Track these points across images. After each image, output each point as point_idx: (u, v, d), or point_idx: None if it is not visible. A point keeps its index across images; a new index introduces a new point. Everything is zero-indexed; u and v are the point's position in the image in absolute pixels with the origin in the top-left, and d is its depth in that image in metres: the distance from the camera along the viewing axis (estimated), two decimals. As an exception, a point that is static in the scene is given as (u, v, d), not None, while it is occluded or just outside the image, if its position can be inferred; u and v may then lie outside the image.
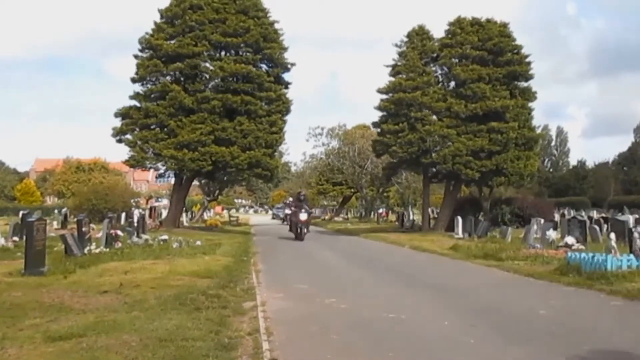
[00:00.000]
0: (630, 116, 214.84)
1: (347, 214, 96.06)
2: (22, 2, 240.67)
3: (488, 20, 48.01)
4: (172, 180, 54.25)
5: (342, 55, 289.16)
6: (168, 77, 47.22)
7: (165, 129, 46.07)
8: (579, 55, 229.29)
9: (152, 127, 46.54)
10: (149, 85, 47.92)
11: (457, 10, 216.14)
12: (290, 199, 63.79)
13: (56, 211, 61.37)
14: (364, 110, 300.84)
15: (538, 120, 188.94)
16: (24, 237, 20.41)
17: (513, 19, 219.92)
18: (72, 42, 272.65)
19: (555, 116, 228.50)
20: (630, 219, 33.79)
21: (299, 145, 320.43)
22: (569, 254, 20.00)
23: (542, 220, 34.57)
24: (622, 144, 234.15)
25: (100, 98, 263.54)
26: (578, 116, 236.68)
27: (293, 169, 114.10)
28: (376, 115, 49.72)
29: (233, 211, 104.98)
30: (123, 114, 47.16)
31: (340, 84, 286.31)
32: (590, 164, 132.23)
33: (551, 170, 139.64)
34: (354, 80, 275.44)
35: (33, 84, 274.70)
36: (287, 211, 50.51)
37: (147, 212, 48.35)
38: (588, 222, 31.44)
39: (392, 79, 48.05)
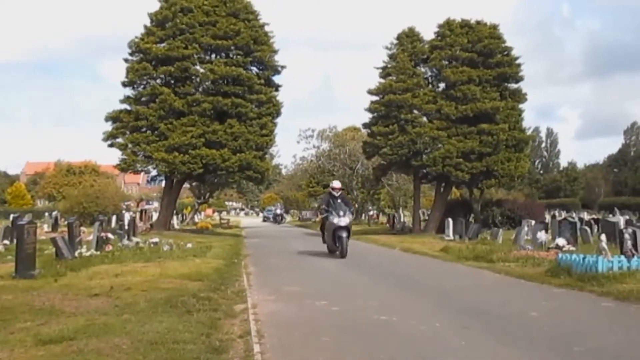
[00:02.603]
0: (623, 117, 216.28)
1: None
2: (16, 5, 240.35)
3: (478, 22, 48.22)
4: (163, 183, 54.22)
5: (336, 57, 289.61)
6: (158, 80, 47.18)
7: (156, 132, 46.03)
8: (573, 56, 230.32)
9: (142, 130, 46.45)
10: (139, 89, 47.83)
11: (451, 11, 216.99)
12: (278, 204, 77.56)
13: (47, 214, 61.35)
14: (358, 111, 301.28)
15: (532, 121, 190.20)
16: (15, 240, 20.38)
17: (507, 20, 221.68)
18: (66, 45, 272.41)
19: (548, 117, 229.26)
20: (620, 220, 33.93)
21: (292, 146, 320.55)
22: (560, 255, 20.01)
23: (533, 222, 34.67)
24: (613, 145, 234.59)
25: (93, 101, 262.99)
26: (571, 117, 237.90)
27: (284, 171, 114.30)
28: (367, 117, 49.88)
29: (224, 214, 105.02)
30: (114, 117, 47.03)
31: (334, 85, 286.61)
32: (580, 165, 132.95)
33: (542, 171, 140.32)
34: (349, 81, 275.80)
35: (25, 87, 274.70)
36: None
37: (138, 215, 48.24)
38: (579, 224, 31.57)
39: (383, 80, 48.18)
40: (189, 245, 30.46)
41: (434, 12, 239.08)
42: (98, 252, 24.31)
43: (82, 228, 30.06)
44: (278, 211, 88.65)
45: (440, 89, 48.49)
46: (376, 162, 55.59)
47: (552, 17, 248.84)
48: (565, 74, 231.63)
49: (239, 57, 47.81)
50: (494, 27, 48.23)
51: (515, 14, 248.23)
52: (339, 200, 28.56)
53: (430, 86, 48.53)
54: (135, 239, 30.58)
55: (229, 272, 20.85)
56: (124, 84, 47.79)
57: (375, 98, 48.26)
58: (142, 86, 47.77)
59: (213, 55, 48.87)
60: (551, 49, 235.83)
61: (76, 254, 22.80)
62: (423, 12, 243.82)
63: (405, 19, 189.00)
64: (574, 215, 52.35)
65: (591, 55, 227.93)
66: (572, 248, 24.89)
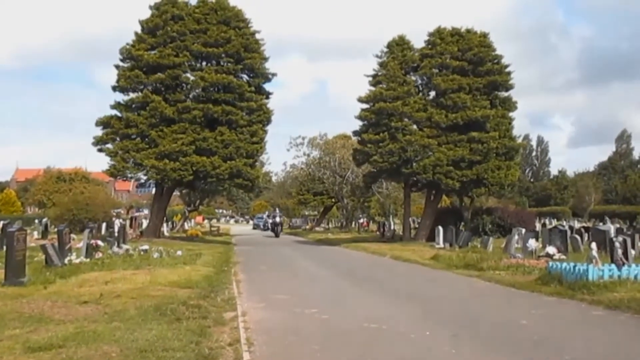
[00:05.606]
0: (615, 125, 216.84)
1: (328, 224, 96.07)
2: (6, 9, 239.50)
3: (468, 31, 48.26)
4: (153, 190, 54.15)
5: (329, 65, 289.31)
6: (149, 87, 47.06)
7: (146, 139, 45.95)
8: (567, 64, 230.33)
9: (132, 137, 46.37)
10: (130, 94, 47.78)
11: (445, 18, 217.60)
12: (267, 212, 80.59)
13: (37, 221, 61.04)
14: (349, 118, 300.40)
15: (526, 129, 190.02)
16: (4, 247, 20.30)
17: (501, 27, 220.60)
18: (57, 50, 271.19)
19: (541, 125, 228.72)
20: (611, 228, 33.99)
21: (283, 154, 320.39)
22: (550, 263, 20.05)
23: (523, 230, 34.70)
24: (604, 153, 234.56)
25: (85, 107, 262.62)
26: (564, 125, 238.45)
27: (274, 178, 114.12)
28: (358, 124, 49.84)
29: (214, 221, 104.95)
30: (104, 123, 46.98)
31: (326, 92, 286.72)
32: (571, 173, 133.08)
33: (532, 179, 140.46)
34: (341, 89, 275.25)
35: (15, 93, 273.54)
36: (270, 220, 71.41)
37: (128, 222, 48.14)
38: (569, 232, 31.59)
39: (373, 88, 48.18)
40: (179, 252, 30.36)
41: (428, 19, 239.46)
42: (88, 260, 24.26)
43: (72, 235, 29.96)
44: (277, 219, 71.00)
45: (430, 97, 48.50)
46: (366, 170, 55.58)
47: (547, 24, 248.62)
48: (559, 82, 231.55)
49: (229, 64, 47.78)
50: (484, 35, 48.31)
51: (509, 21, 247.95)
52: None
53: (420, 94, 48.50)
54: (125, 246, 30.52)
55: (219, 279, 20.84)
56: (114, 88, 47.66)
57: (365, 106, 48.21)
58: (132, 91, 47.64)
59: (204, 63, 48.83)
60: (545, 56, 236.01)
61: (66, 261, 22.75)
62: (417, 19, 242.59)
63: (399, 26, 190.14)
64: (565, 223, 52.45)
65: (585, 62, 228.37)
66: (562, 256, 24.94)
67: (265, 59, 49.80)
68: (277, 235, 65.41)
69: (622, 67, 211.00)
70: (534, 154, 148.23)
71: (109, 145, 46.96)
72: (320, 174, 79.53)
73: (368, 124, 48.11)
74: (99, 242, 28.25)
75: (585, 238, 33.23)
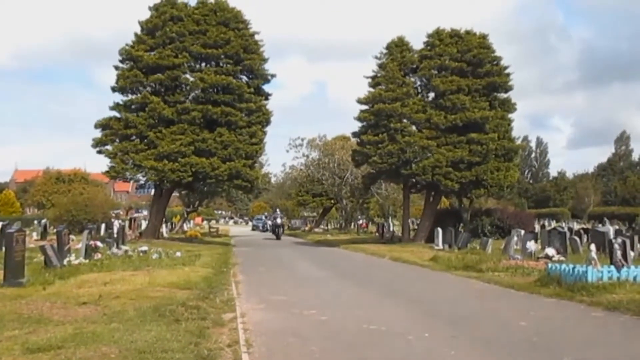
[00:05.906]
0: (615, 126, 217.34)
1: (327, 225, 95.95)
2: (8, 9, 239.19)
3: (467, 32, 48.23)
4: (152, 192, 54.10)
5: (329, 66, 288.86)
6: (148, 88, 47.02)
7: (145, 140, 45.88)
8: (567, 65, 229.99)
9: (132, 138, 46.29)
10: (129, 95, 47.75)
11: (445, 19, 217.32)
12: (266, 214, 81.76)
13: (36, 222, 61.08)
14: (349, 119, 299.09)
15: (525, 130, 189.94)
16: (3, 248, 20.29)
17: (501, 28, 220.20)
18: (56, 50, 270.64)
19: (541, 126, 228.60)
20: (610, 230, 34.01)
21: (282, 155, 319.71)
22: (550, 265, 20.02)
23: (523, 232, 34.68)
24: (604, 154, 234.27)
25: (85, 107, 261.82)
26: (564, 126, 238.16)
27: (273, 180, 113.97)
28: (357, 125, 49.78)
29: (213, 222, 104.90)
30: (103, 124, 46.91)
31: (326, 93, 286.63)
32: (570, 175, 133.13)
33: (531, 181, 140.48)
34: (341, 90, 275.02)
35: (14, 93, 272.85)
36: (269, 221, 71.70)
37: (127, 223, 48.07)
38: (568, 234, 31.57)
39: (372, 89, 48.13)
40: (178, 253, 30.34)
41: (427, 20, 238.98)
42: (87, 261, 24.25)
43: (71, 236, 29.92)
44: (278, 220, 67.64)
45: (429, 99, 48.43)
46: (365, 171, 55.52)
47: (547, 25, 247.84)
48: (559, 83, 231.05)
49: (229, 65, 47.71)
50: (483, 36, 48.25)
51: (509, 22, 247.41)
52: None
53: (419, 95, 48.44)
54: (124, 247, 30.50)
55: (218, 280, 20.82)
56: (114, 89, 47.66)
57: (364, 107, 48.17)
58: (131, 92, 47.59)
59: (203, 64, 48.78)
60: (545, 57, 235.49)
61: (65, 262, 22.73)
62: (417, 20, 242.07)
63: (399, 27, 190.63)
64: (564, 225, 52.49)
65: (585, 63, 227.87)
66: (561, 258, 24.90)
67: (265, 60, 49.81)
68: (278, 238, 62.91)
69: (622, 68, 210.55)
70: (533, 155, 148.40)
71: (108, 147, 46.90)
72: (319, 175, 79.38)
73: (367, 125, 48.06)
74: (98, 243, 28.23)
75: (585, 239, 33.25)
